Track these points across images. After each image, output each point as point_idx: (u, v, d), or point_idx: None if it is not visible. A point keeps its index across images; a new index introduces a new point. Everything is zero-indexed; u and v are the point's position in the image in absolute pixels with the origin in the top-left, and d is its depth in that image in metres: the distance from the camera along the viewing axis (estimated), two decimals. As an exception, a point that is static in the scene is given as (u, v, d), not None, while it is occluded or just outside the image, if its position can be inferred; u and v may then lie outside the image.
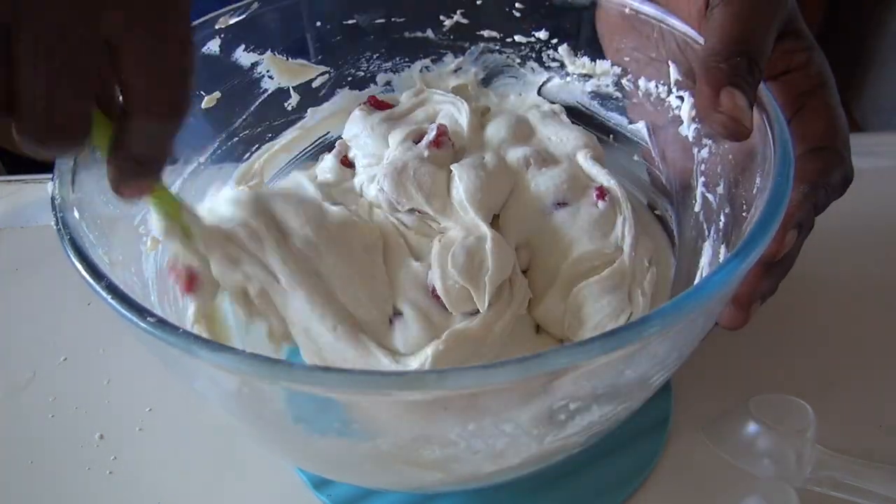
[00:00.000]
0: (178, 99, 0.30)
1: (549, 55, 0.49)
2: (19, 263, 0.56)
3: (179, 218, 0.35)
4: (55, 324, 0.51)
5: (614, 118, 0.48)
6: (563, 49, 0.48)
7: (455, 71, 0.51)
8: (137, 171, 0.31)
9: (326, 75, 0.49)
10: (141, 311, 0.28)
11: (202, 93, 0.45)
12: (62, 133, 0.27)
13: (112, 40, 0.27)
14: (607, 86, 0.47)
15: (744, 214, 0.35)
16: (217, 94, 0.45)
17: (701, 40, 0.38)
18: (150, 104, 0.29)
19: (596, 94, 0.48)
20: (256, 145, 0.48)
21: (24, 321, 0.52)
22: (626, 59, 0.45)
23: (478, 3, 0.48)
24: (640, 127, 0.46)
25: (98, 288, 0.29)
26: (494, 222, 0.43)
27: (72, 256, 0.31)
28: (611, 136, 0.48)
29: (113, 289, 0.29)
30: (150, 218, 0.35)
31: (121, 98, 0.29)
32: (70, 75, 0.26)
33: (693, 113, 0.41)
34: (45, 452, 0.44)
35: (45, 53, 0.26)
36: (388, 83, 0.51)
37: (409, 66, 0.50)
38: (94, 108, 0.29)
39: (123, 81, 0.28)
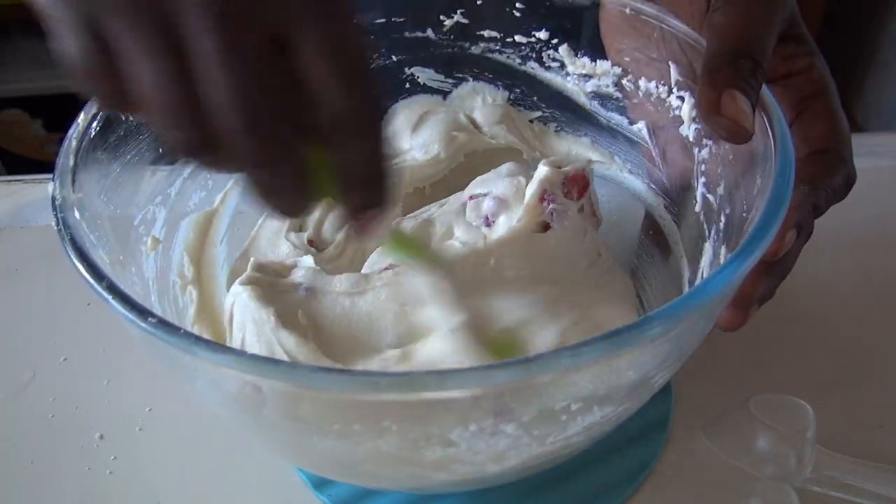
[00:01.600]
0: (372, 80, 0.27)
1: (549, 55, 0.49)
2: (19, 263, 0.56)
3: (420, 253, 0.34)
4: (55, 324, 0.51)
5: (614, 118, 0.48)
6: (563, 49, 0.48)
7: None
8: (366, 200, 0.28)
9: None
10: (142, 312, 0.28)
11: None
12: (280, 156, 0.25)
13: (287, 38, 0.25)
14: (607, 86, 0.47)
15: (744, 215, 0.35)
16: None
17: (702, 41, 0.38)
18: (347, 117, 0.26)
19: (596, 94, 0.48)
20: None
21: (24, 321, 0.52)
22: (627, 59, 0.45)
23: (478, 3, 0.48)
24: (641, 127, 0.46)
25: (99, 288, 0.29)
26: None
27: (72, 257, 0.31)
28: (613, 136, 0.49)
29: (113, 289, 0.29)
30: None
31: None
32: (264, 87, 0.24)
33: (693, 113, 0.41)
34: (45, 452, 0.44)
35: (235, 62, 0.23)
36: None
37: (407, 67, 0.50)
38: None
39: (310, 87, 0.25)
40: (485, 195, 0.42)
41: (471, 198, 0.43)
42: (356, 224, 0.29)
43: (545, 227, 0.40)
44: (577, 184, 0.41)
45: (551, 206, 0.40)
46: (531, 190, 0.40)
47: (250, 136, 0.24)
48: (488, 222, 0.42)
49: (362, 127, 0.26)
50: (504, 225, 0.41)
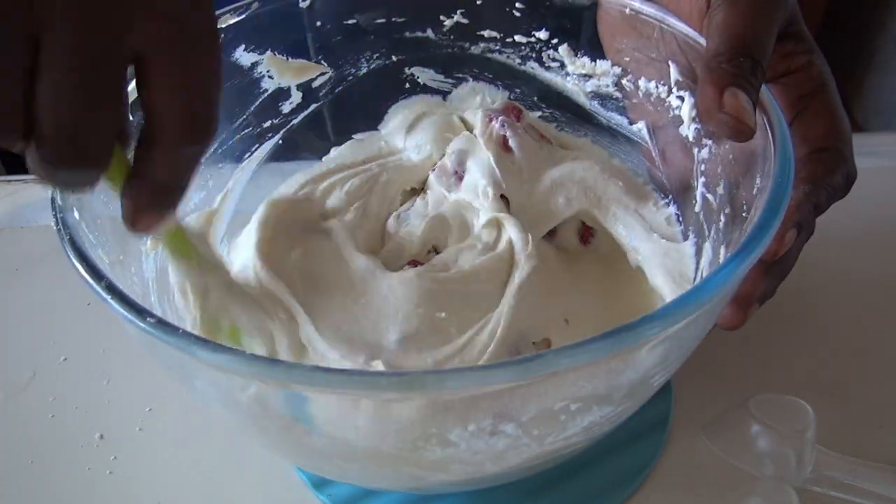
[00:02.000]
0: (212, 116, 0.28)
1: (549, 55, 0.49)
2: (19, 263, 0.56)
3: (191, 257, 0.34)
4: (55, 324, 0.51)
5: (614, 118, 0.48)
6: (563, 49, 0.48)
7: None
8: (157, 201, 0.29)
9: (327, 75, 0.49)
10: (141, 312, 0.28)
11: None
12: (83, 162, 0.25)
13: (142, 52, 0.25)
14: (607, 86, 0.47)
15: (744, 215, 0.35)
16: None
17: (702, 40, 0.38)
18: (182, 124, 0.27)
19: (596, 94, 0.48)
20: (256, 145, 0.48)
21: (24, 321, 0.52)
22: (627, 59, 0.45)
23: (478, 2, 0.48)
24: (641, 127, 0.46)
25: (98, 288, 0.29)
26: None
27: (72, 257, 0.31)
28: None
29: (113, 289, 0.29)
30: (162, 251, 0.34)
31: (142, 120, 0.27)
32: (100, 95, 0.24)
33: (693, 113, 0.41)
34: (45, 452, 0.44)
35: (75, 69, 0.24)
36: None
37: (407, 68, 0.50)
38: (118, 133, 0.26)
39: (151, 100, 0.26)
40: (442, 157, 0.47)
41: (432, 169, 0.47)
42: (132, 221, 0.29)
43: (505, 144, 0.46)
44: (511, 111, 0.48)
45: (499, 119, 0.47)
46: (477, 120, 0.47)
47: (64, 141, 0.24)
48: (458, 175, 0.46)
49: (177, 160, 0.28)
50: (475, 169, 0.45)
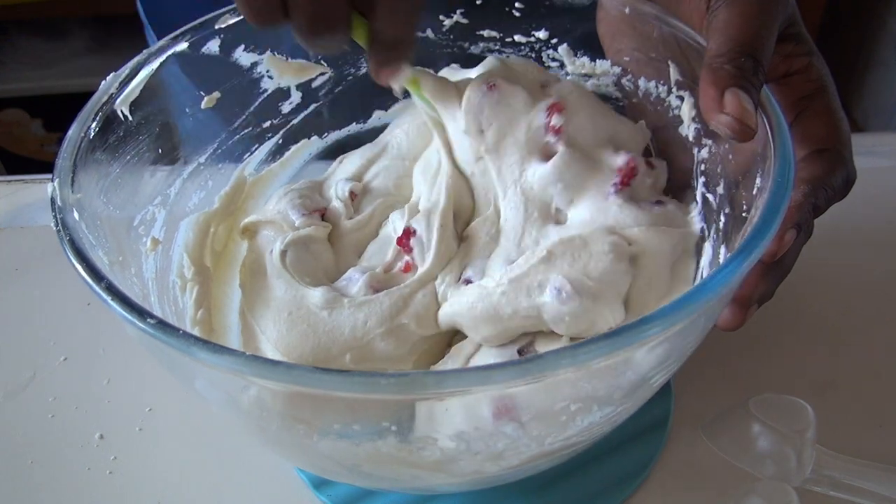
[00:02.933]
0: None
1: (548, 55, 0.48)
2: (19, 263, 0.56)
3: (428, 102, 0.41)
4: (55, 324, 0.51)
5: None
6: (562, 49, 0.48)
7: None
8: (393, 55, 0.37)
9: (326, 75, 0.49)
10: (141, 313, 0.28)
11: (201, 93, 0.45)
12: (329, 28, 0.34)
13: None
14: (607, 86, 0.47)
15: (744, 215, 0.35)
16: (217, 95, 0.45)
17: (702, 40, 0.38)
18: None
19: (595, 94, 0.48)
20: (256, 145, 0.48)
21: (24, 321, 0.52)
22: (626, 59, 0.45)
23: (478, 2, 0.48)
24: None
25: (97, 289, 0.29)
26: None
27: (71, 257, 0.31)
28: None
29: (112, 290, 0.29)
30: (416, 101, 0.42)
31: None
32: None
33: (693, 113, 0.41)
34: (45, 452, 0.44)
35: None
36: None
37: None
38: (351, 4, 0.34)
39: None
40: None
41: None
42: (376, 76, 0.37)
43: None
44: None
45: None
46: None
47: (312, 13, 0.33)
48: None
49: (399, 6, 0.35)
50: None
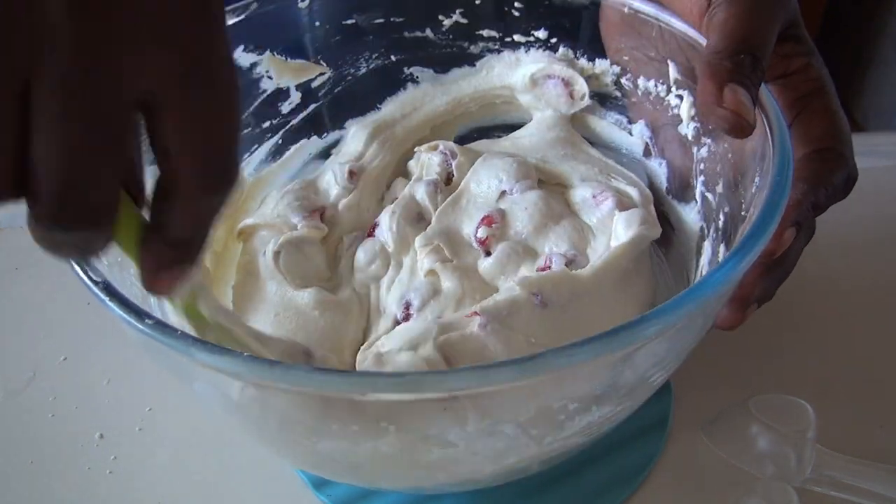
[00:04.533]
0: (235, 162, 0.25)
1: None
2: (19, 263, 0.56)
3: (208, 322, 0.31)
4: (55, 324, 0.51)
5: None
6: (562, 49, 0.48)
7: None
8: (177, 257, 0.26)
9: (326, 75, 0.49)
10: (139, 314, 0.28)
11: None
12: (86, 221, 0.22)
13: (151, 98, 0.22)
14: (607, 85, 0.47)
15: (743, 213, 0.35)
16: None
17: (701, 40, 0.38)
18: (204, 173, 0.24)
19: (595, 94, 0.48)
20: (255, 145, 0.48)
21: (24, 321, 0.52)
22: (626, 57, 0.45)
23: (477, 2, 0.48)
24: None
25: (96, 290, 0.29)
26: None
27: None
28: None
29: (111, 291, 0.29)
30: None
31: (156, 173, 0.25)
32: (102, 145, 0.22)
33: (692, 112, 0.41)
34: (45, 452, 0.44)
35: (73, 115, 0.21)
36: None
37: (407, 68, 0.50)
38: (121, 190, 0.24)
39: (164, 149, 0.23)
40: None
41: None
42: (149, 282, 0.27)
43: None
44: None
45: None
46: None
47: (60, 196, 0.22)
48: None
49: (196, 212, 0.25)
50: None
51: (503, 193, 0.43)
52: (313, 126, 0.50)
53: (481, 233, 0.42)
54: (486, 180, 0.44)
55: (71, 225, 0.22)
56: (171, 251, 0.26)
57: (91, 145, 0.21)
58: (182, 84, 0.22)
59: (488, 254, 0.42)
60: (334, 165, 0.47)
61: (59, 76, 0.20)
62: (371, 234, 0.44)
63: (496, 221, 0.42)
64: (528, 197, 0.43)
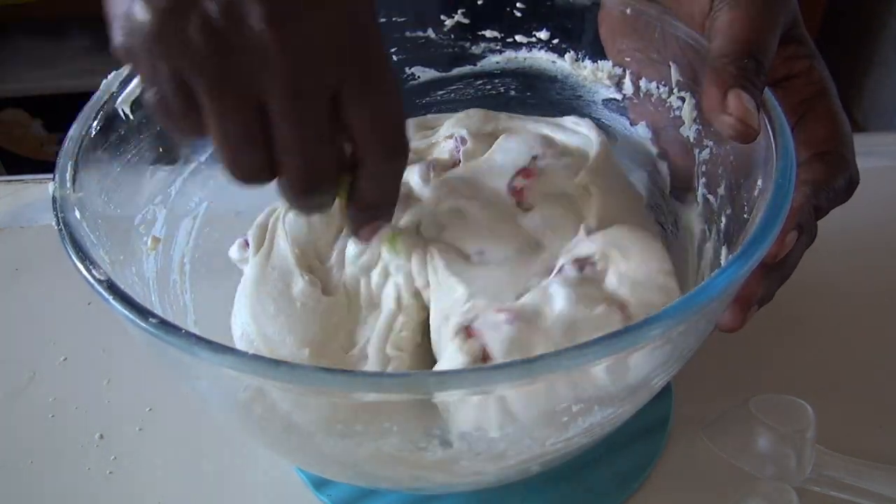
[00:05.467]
0: (405, 135, 0.32)
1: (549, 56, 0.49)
2: (19, 263, 0.56)
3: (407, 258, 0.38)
4: (55, 324, 0.51)
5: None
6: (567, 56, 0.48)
7: None
8: (372, 215, 0.35)
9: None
10: (143, 312, 0.28)
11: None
12: (318, 187, 0.31)
13: (338, 92, 0.29)
14: (608, 87, 0.47)
15: (745, 216, 0.35)
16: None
17: (703, 42, 0.38)
18: (384, 148, 0.31)
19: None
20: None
21: (24, 321, 0.52)
22: (628, 59, 0.45)
23: (479, 2, 0.48)
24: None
25: (99, 288, 0.29)
26: None
27: (72, 256, 0.31)
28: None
29: (114, 289, 0.29)
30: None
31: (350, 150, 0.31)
32: (320, 137, 0.30)
33: (694, 114, 0.41)
34: (45, 452, 0.44)
35: (300, 120, 0.29)
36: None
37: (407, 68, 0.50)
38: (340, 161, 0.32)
39: (354, 133, 0.31)
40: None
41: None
42: (356, 234, 0.36)
43: None
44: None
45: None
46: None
47: (303, 173, 0.30)
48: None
49: (382, 176, 0.33)
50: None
51: (534, 158, 0.42)
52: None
53: (518, 181, 0.41)
54: (517, 147, 0.43)
55: (315, 189, 0.31)
56: (366, 210, 0.34)
57: (316, 134, 0.29)
58: (362, 82, 0.30)
59: (519, 205, 0.40)
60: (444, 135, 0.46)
61: (284, 90, 0.28)
62: None
63: (534, 175, 0.41)
64: (563, 161, 0.42)
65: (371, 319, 0.40)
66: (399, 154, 0.32)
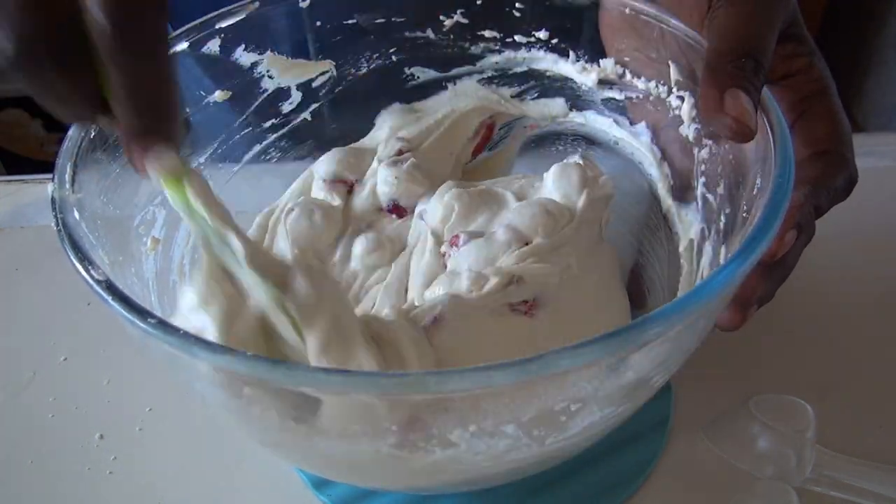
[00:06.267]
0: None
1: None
2: (19, 263, 0.56)
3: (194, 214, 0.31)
4: (55, 324, 0.51)
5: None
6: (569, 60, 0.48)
7: None
8: (139, 124, 0.28)
9: (327, 75, 0.49)
10: (142, 312, 0.28)
11: (202, 92, 0.45)
12: (50, 59, 0.27)
13: None
14: (607, 86, 0.47)
15: (744, 215, 0.35)
16: (228, 92, 0.45)
17: (702, 41, 0.38)
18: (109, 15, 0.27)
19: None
20: (256, 145, 0.48)
21: (24, 321, 0.52)
22: (627, 58, 0.45)
23: (478, 2, 0.48)
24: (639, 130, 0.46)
25: (98, 289, 0.29)
26: None
27: (72, 257, 0.31)
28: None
29: (113, 289, 0.29)
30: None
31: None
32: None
33: (693, 113, 0.41)
34: (45, 452, 0.44)
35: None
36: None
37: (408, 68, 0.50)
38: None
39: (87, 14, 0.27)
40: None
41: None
42: (131, 152, 0.29)
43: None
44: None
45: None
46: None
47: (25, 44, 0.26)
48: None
49: (126, 49, 0.27)
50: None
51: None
52: (314, 125, 0.50)
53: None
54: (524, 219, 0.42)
55: (39, 61, 0.26)
56: (131, 117, 0.28)
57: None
58: None
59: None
60: (392, 139, 0.47)
61: None
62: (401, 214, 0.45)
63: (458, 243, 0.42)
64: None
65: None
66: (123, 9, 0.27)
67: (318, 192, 0.46)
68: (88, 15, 0.27)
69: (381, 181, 0.45)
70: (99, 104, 0.28)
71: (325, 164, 0.47)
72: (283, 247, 0.41)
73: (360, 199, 0.46)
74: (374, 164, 0.47)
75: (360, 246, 0.43)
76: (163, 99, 0.28)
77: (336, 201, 0.45)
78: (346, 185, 0.46)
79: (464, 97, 0.50)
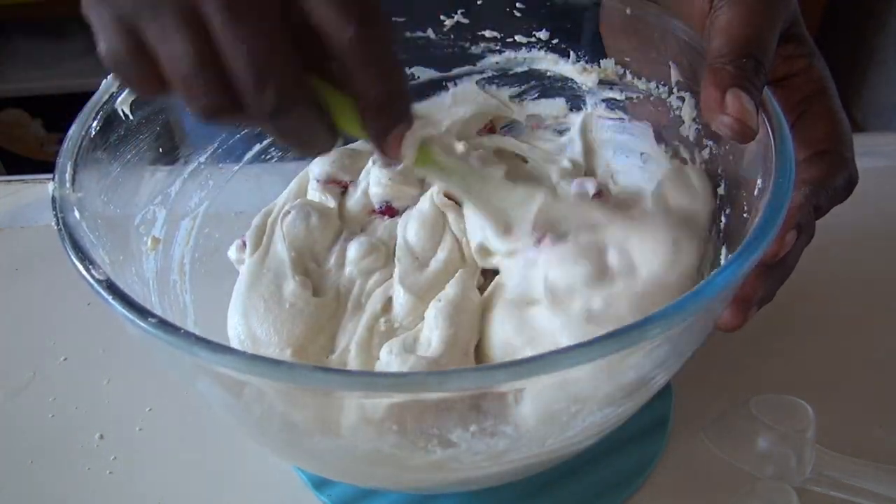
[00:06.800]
0: (370, 3, 0.28)
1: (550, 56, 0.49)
2: (19, 263, 0.56)
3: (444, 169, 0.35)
4: (55, 324, 0.51)
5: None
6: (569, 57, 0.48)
7: None
8: (388, 116, 0.30)
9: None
10: (142, 312, 0.28)
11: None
12: (288, 100, 0.27)
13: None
14: (608, 86, 0.47)
15: (744, 216, 0.35)
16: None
17: (702, 42, 0.38)
18: (347, 20, 0.27)
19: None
20: (256, 145, 0.48)
21: (24, 321, 0.52)
22: (628, 59, 0.45)
23: (478, 2, 0.48)
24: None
25: (99, 288, 0.29)
26: None
27: (72, 256, 0.31)
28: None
29: (113, 289, 0.29)
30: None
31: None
32: (266, 35, 0.27)
33: (694, 114, 0.41)
34: (45, 452, 0.44)
35: (238, 17, 0.26)
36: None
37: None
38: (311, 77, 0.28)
39: (313, 19, 0.27)
40: None
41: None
42: (382, 150, 0.31)
43: None
44: None
45: None
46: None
47: (261, 90, 0.27)
48: None
49: (365, 55, 0.28)
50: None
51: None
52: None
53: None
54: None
55: (282, 103, 0.27)
56: (382, 110, 0.29)
57: (260, 31, 0.26)
58: None
59: None
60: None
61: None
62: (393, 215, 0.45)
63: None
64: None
65: (351, 325, 0.40)
66: (371, 18, 0.27)
67: (313, 192, 0.46)
68: (329, 42, 0.27)
69: (374, 182, 0.45)
70: (337, 134, 0.30)
71: (319, 165, 0.46)
72: (279, 248, 0.41)
73: (353, 200, 0.46)
74: (369, 164, 0.47)
75: (353, 251, 0.43)
76: (403, 88, 0.30)
77: (331, 202, 0.45)
78: (340, 186, 0.46)
79: (463, 104, 0.49)
